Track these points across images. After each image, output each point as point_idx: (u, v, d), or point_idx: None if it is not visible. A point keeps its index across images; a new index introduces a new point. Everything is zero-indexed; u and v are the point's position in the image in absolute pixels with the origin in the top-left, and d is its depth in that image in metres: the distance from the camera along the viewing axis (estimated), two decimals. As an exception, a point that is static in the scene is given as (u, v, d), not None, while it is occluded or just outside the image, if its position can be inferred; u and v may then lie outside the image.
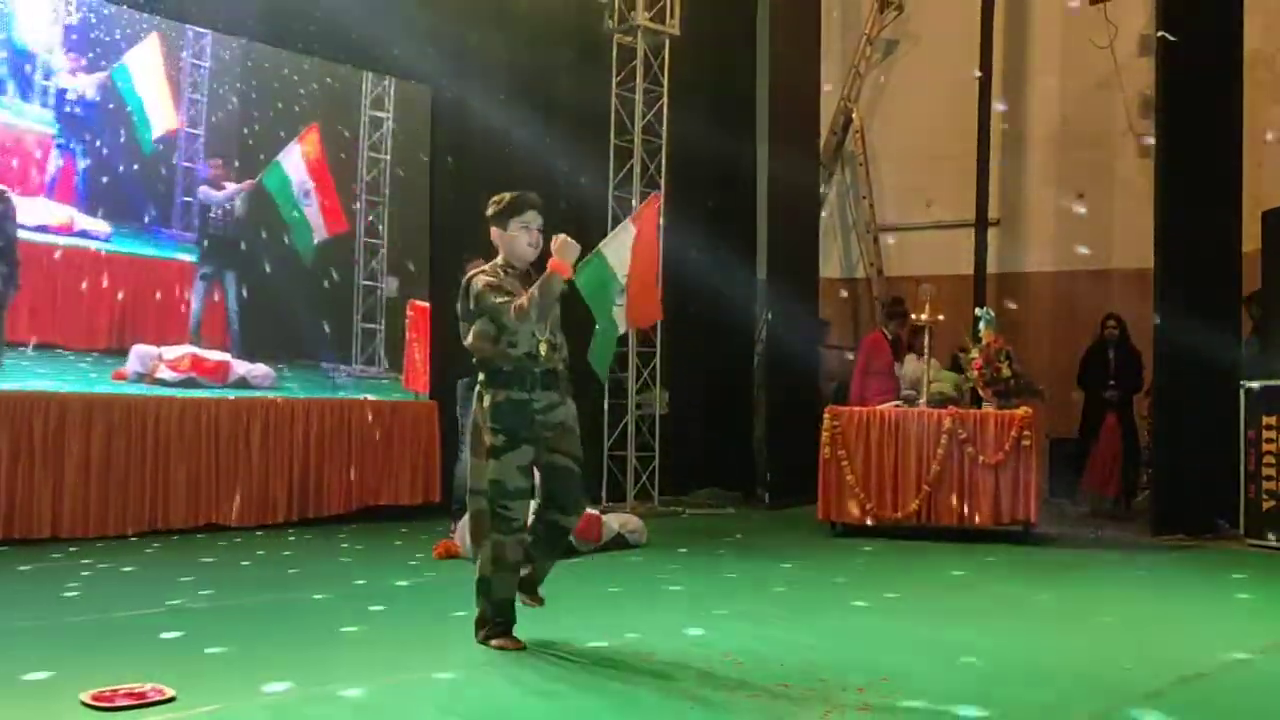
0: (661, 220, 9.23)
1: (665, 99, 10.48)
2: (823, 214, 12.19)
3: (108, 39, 7.81)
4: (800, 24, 11.35)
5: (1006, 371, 7.94)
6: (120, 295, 7.84)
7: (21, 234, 7.33)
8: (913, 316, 9.02)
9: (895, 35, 12.54)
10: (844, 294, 12.42)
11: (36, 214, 7.44)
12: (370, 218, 9.23)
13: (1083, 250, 11.24)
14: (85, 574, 5.93)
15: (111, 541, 7.21)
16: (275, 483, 8.28)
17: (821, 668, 3.88)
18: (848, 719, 3.27)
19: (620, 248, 8.34)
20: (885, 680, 3.72)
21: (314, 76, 8.95)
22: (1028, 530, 7.83)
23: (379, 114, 9.30)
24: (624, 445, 10.14)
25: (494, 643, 4.12)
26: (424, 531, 7.93)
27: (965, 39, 11.49)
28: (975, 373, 8.11)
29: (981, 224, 11.40)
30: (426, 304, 9.33)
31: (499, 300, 4.07)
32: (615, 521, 7.37)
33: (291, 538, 7.72)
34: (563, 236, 4.08)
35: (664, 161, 10.45)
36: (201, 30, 8.31)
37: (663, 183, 10.42)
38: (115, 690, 3.34)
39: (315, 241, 8.86)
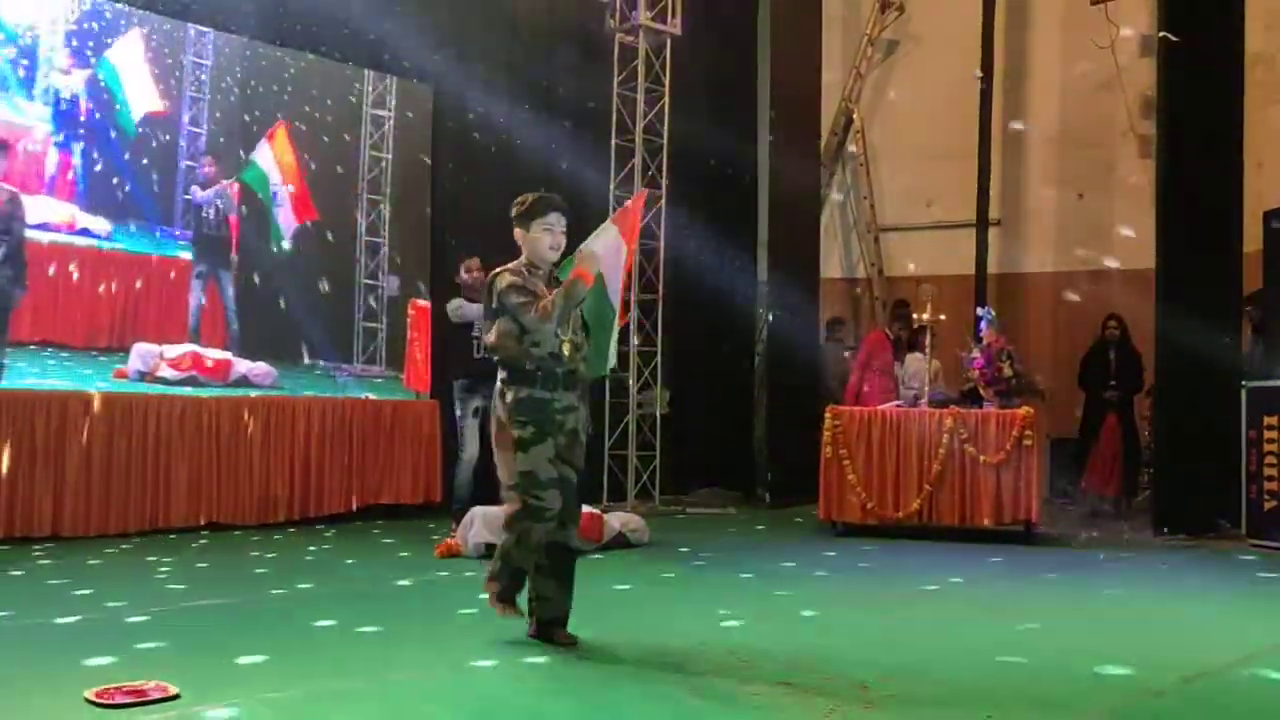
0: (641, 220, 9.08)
1: (666, 98, 10.48)
2: (823, 214, 12.19)
3: (109, 39, 7.82)
4: (801, 24, 11.36)
5: (1008, 371, 7.95)
6: (121, 294, 7.84)
7: (26, 234, 7.34)
8: (914, 316, 9.03)
9: (896, 36, 12.55)
10: (858, 291, 12.40)
11: (37, 212, 7.44)
12: (371, 217, 9.23)
13: (1083, 251, 11.25)
14: (87, 572, 5.93)
15: (112, 540, 7.21)
16: (276, 481, 8.28)
17: (824, 665, 3.88)
18: (851, 717, 3.27)
19: (613, 269, 8.09)
20: (889, 679, 3.72)
21: (315, 75, 8.95)
22: (1029, 530, 7.84)
23: (380, 113, 9.30)
24: (625, 444, 10.15)
25: (498, 606, 4.18)
26: (425, 531, 7.93)
27: (966, 39, 11.50)
28: (977, 372, 8.11)
29: (982, 224, 11.40)
30: (427, 303, 9.33)
31: (521, 300, 4.10)
32: (617, 520, 7.37)
33: (292, 537, 7.72)
34: (582, 249, 4.20)
35: (665, 161, 10.46)
36: (203, 29, 8.31)
37: (664, 182, 10.43)
38: (119, 687, 3.33)
39: (286, 235, 8.78)
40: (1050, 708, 3.47)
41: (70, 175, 7.64)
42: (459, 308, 7.54)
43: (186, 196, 8.21)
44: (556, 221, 4.25)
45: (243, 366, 8.37)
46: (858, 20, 12.63)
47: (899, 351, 9.43)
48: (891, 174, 12.49)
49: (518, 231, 4.27)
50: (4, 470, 6.95)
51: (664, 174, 10.45)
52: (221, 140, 8.43)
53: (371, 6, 8.90)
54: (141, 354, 7.86)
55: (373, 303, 9.19)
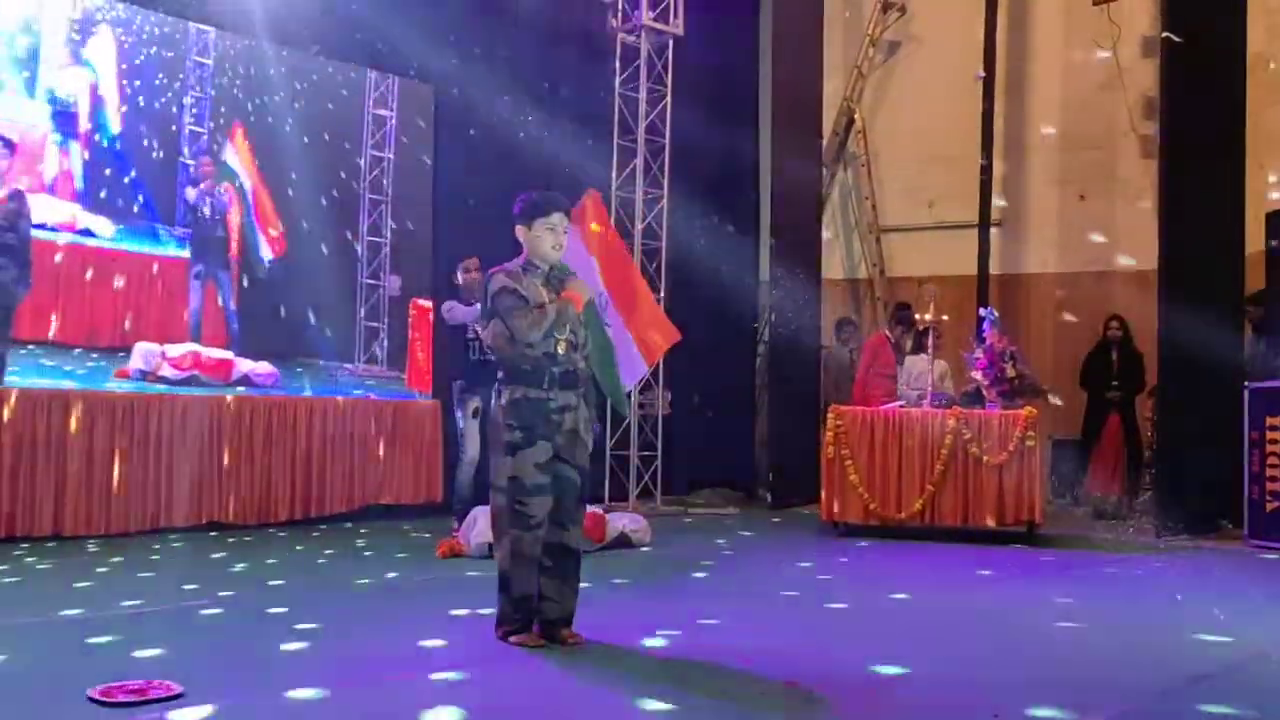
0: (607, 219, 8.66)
1: (668, 98, 10.49)
2: (825, 214, 12.19)
3: (111, 37, 7.81)
4: (803, 25, 11.36)
5: (1011, 372, 7.95)
6: (123, 293, 7.84)
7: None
8: (917, 317, 9.03)
9: (898, 36, 12.53)
10: (876, 294, 12.37)
11: (39, 212, 7.44)
12: (373, 216, 9.23)
13: (1085, 251, 11.24)
14: (89, 570, 5.92)
15: (114, 539, 7.20)
16: (278, 481, 8.27)
17: (829, 666, 3.88)
18: (856, 716, 3.27)
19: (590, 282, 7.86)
20: (892, 678, 3.72)
21: (317, 75, 8.95)
22: (1031, 530, 7.83)
23: (382, 112, 9.30)
24: (626, 445, 10.15)
25: (514, 639, 4.11)
26: (427, 530, 7.93)
27: (968, 40, 11.49)
28: (980, 373, 8.10)
29: (984, 225, 11.39)
30: (429, 303, 9.32)
31: (511, 305, 4.11)
32: (619, 521, 7.38)
33: (294, 536, 7.72)
34: (575, 277, 4.30)
35: (667, 161, 10.46)
36: (204, 28, 8.31)
37: (665, 182, 10.44)
38: (121, 686, 3.33)
39: (266, 260, 8.65)
40: (1055, 707, 3.46)
41: (71, 174, 7.64)
42: (449, 309, 7.57)
43: (184, 194, 8.21)
44: (560, 221, 4.24)
45: (244, 366, 8.37)
46: (859, 21, 12.62)
47: (900, 353, 9.42)
48: (893, 174, 12.48)
49: (519, 229, 4.26)
50: (5, 469, 6.95)
51: (665, 174, 10.45)
52: (222, 140, 8.42)
53: (373, 6, 8.90)
54: (143, 353, 7.86)
55: (374, 303, 9.19)
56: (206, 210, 8.29)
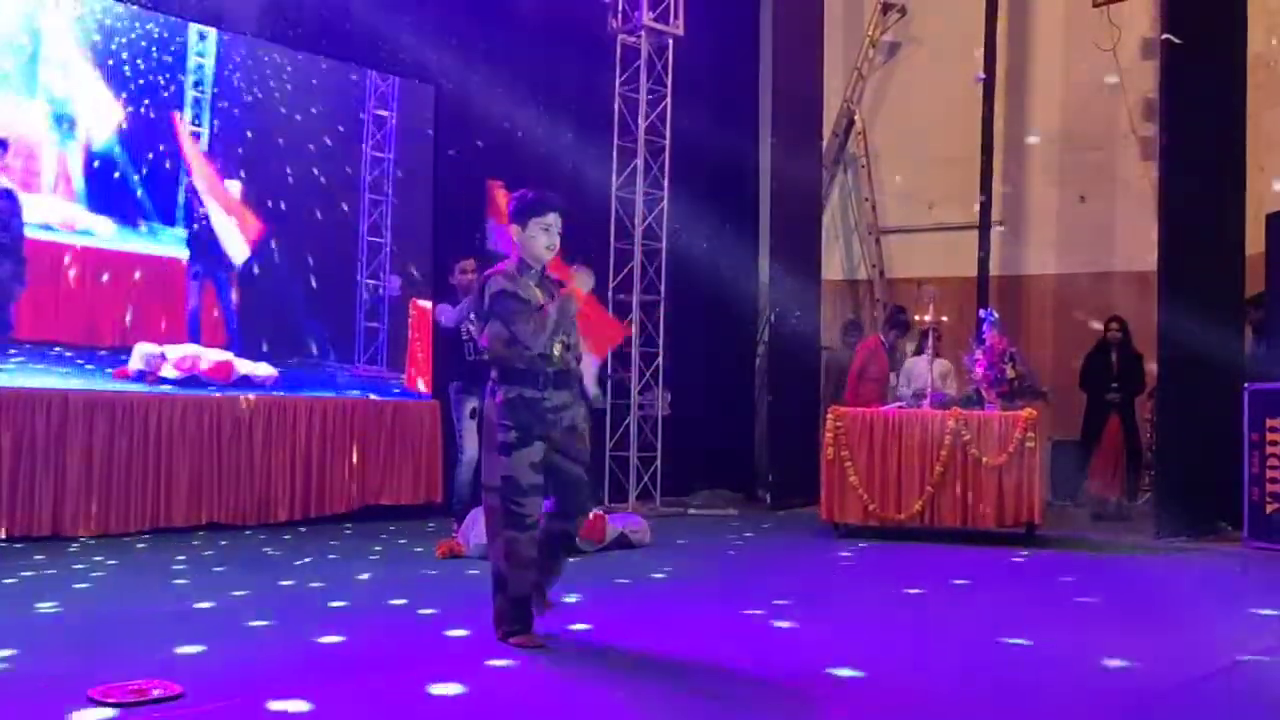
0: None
1: (669, 99, 10.49)
2: (825, 215, 12.19)
3: (110, 37, 7.81)
4: (803, 26, 11.37)
5: (1011, 373, 7.95)
6: (122, 293, 7.84)
7: (25, 231, 7.33)
8: (916, 318, 9.04)
9: (898, 37, 12.55)
10: (876, 295, 12.37)
11: (39, 211, 7.44)
12: (373, 216, 9.23)
13: (1085, 253, 11.25)
14: (88, 571, 5.92)
15: (113, 539, 7.20)
16: (277, 482, 8.27)
17: (830, 665, 3.88)
18: (856, 715, 3.27)
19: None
20: (891, 678, 3.72)
21: (317, 74, 8.95)
22: (1031, 531, 7.83)
23: (382, 112, 9.31)
24: (626, 446, 10.15)
25: (513, 640, 4.10)
26: (426, 531, 7.93)
27: (968, 41, 11.49)
28: (979, 374, 8.11)
29: (984, 226, 11.40)
30: (429, 303, 9.33)
31: (514, 309, 4.09)
32: (619, 521, 7.37)
33: (293, 537, 7.71)
34: (583, 267, 4.24)
35: (667, 161, 10.47)
36: (204, 28, 8.31)
37: (665, 183, 10.45)
38: (122, 686, 3.33)
39: (237, 251, 8.46)
40: (1058, 707, 3.46)
41: (70, 174, 7.64)
42: (441, 313, 7.59)
43: (183, 194, 8.21)
44: (554, 221, 4.22)
45: (244, 367, 8.36)
46: (859, 22, 12.63)
47: (894, 358, 9.42)
48: (893, 176, 12.49)
49: (513, 228, 4.24)
50: (5, 469, 6.95)
51: (666, 174, 10.46)
52: (222, 139, 8.42)
53: (374, 6, 8.90)
54: (143, 354, 7.86)
55: (373, 303, 9.19)
56: (202, 209, 8.29)
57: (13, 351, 7.24)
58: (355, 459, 8.73)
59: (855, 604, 5.39)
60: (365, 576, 5.93)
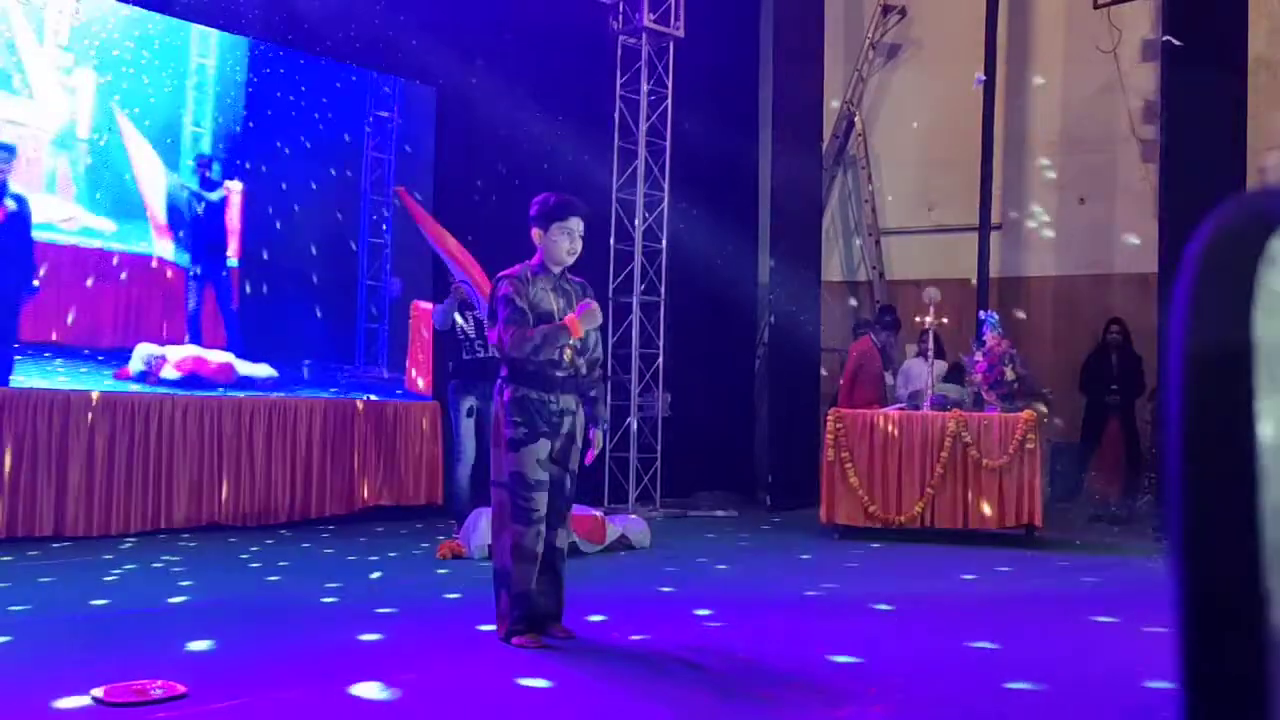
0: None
1: (669, 100, 10.50)
2: (824, 217, 12.20)
3: (112, 37, 7.81)
4: (803, 28, 11.37)
5: (1011, 374, 7.96)
6: (123, 294, 7.84)
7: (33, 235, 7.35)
8: (916, 319, 9.04)
9: (898, 39, 12.55)
10: (876, 297, 12.36)
11: (39, 212, 7.44)
12: (374, 218, 9.23)
13: (1085, 255, 11.25)
14: (91, 572, 5.92)
15: (114, 540, 7.20)
16: (278, 482, 8.27)
17: (831, 666, 3.88)
18: (860, 717, 3.27)
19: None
20: (892, 679, 3.72)
21: (318, 76, 8.95)
22: (1031, 533, 7.83)
23: (383, 114, 9.31)
24: (626, 447, 10.15)
25: (515, 640, 4.12)
26: (427, 531, 7.93)
27: (968, 43, 11.49)
28: (979, 376, 8.11)
29: (984, 228, 11.40)
30: (430, 304, 9.32)
31: (508, 316, 4.12)
32: (618, 523, 7.38)
33: (294, 538, 7.71)
34: (593, 305, 4.23)
35: (668, 163, 10.47)
36: (206, 29, 8.31)
37: (666, 184, 10.45)
38: (126, 686, 3.33)
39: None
40: (1060, 708, 3.47)
41: (71, 175, 7.64)
42: (434, 313, 7.62)
43: (184, 196, 8.21)
44: (576, 226, 4.24)
45: (244, 368, 8.36)
46: (859, 24, 12.64)
47: (887, 359, 9.42)
48: (893, 177, 12.49)
49: (535, 231, 4.26)
50: (6, 469, 6.95)
51: (666, 176, 10.46)
52: (223, 140, 8.42)
53: (376, 7, 8.90)
54: (144, 355, 7.86)
55: (374, 304, 9.20)
56: (207, 211, 8.29)
57: (16, 345, 7.25)
58: (355, 460, 8.73)
59: (859, 602, 5.40)
60: (377, 575, 5.93)
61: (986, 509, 7.77)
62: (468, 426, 7.48)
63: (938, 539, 7.89)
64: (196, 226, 8.26)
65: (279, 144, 8.70)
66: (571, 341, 4.17)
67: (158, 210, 8.08)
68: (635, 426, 10.19)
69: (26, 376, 7.25)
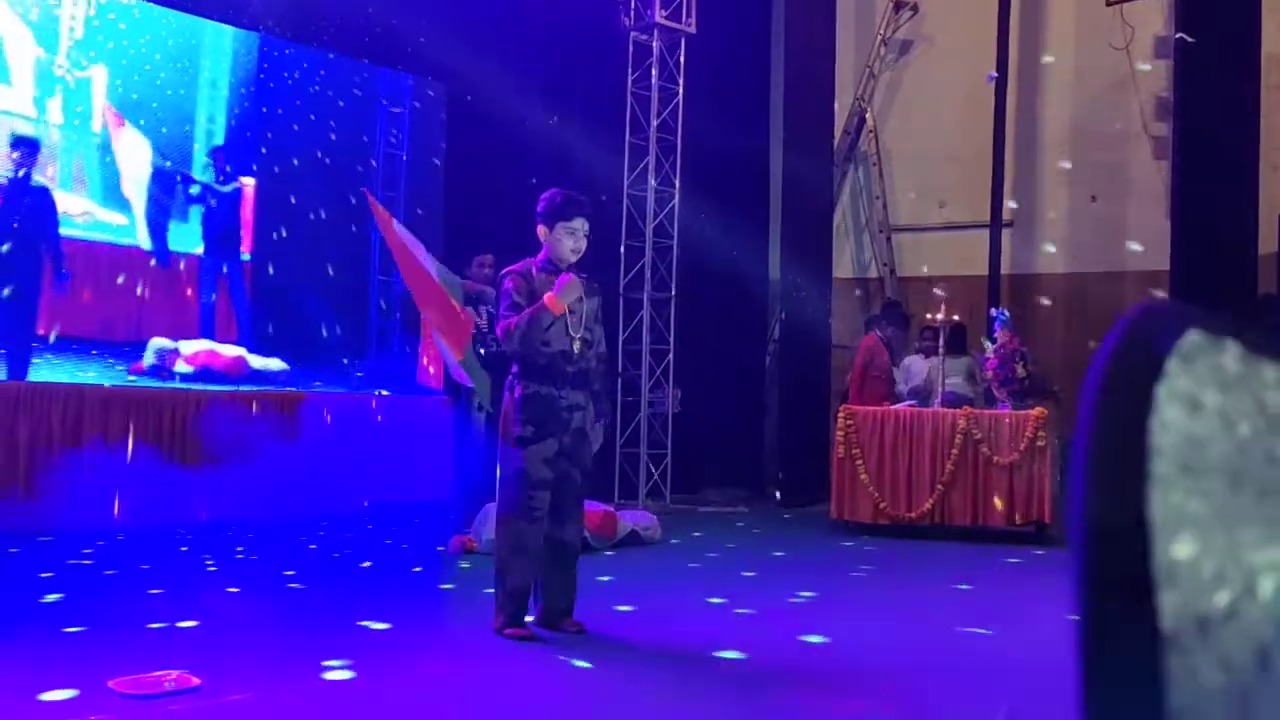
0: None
1: (680, 97, 10.50)
2: (835, 213, 12.19)
3: (126, 34, 7.85)
4: (815, 24, 11.37)
5: (1022, 372, 7.95)
6: (137, 288, 7.88)
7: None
8: (929, 316, 9.03)
9: (910, 35, 12.52)
10: (887, 294, 12.34)
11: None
12: (386, 213, 9.25)
13: (1096, 252, 11.23)
14: (105, 564, 5.95)
15: (128, 533, 7.24)
16: (289, 476, 8.29)
17: (837, 663, 3.89)
18: (865, 713, 3.28)
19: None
20: (898, 677, 3.73)
21: (331, 72, 8.98)
22: (1041, 531, 7.83)
23: (395, 109, 9.33)
24: (636, 443, 10.16)
25: (508, 632, 4.16)
26: (439, 525, 7.94)
27: (980, 40, 11.47)
28: (990, 373, 8.11)
29: (995, 225, 11.38)
30: (441, 300, 9.34)
31: (504, 309, 4.18)
32: (630, 518, 7.40)
33: (305, 532, 7.74)
34: (571, 278, 4.18)
35: (679, 159, 10.48)
36: (219, 25, 8.35)
37: (677, 180, 10.45)
38: (141, 677, 3.35)
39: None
40: (1065, 708, 3.47)
41: (85, 170, 7.67)
42: None
43: (196, 190, 8.25)
44: (581, 225, 4.27)
45: (256, 362, 8.40)
46: (871, 20, 12.62)
47: (893, 353, 9.41)
48: (904, 174, 12.47)
49: (541, 229, 4.28)
50: (21, 462, 6.99)
51: (677, 172, 10.46)
52: (237, 136, 8.46)
53: (388, 4, 8.92)
54: (157, 349, 7.90)
55: (385, 298, 9.23)
56: (222, 206, 8.33)
57: (35, 344, 7.30)
58: (367, 455, 8.75)
59: (866, 602, 5.41)
60: (377, 576, 5.95)
61: (997, 506, 7.76)
62: (479, 420, 7.50)
63: (948, 536, 7.89)
64: (210, 220, 8.29)
65: (291, 139, 8.74)
66: (581, 334, 4.18)
67: (135, 201, 8.12)
68: (646, 422, 10.20)
69: (41, 370, 7.29)
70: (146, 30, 7.96)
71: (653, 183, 10.26)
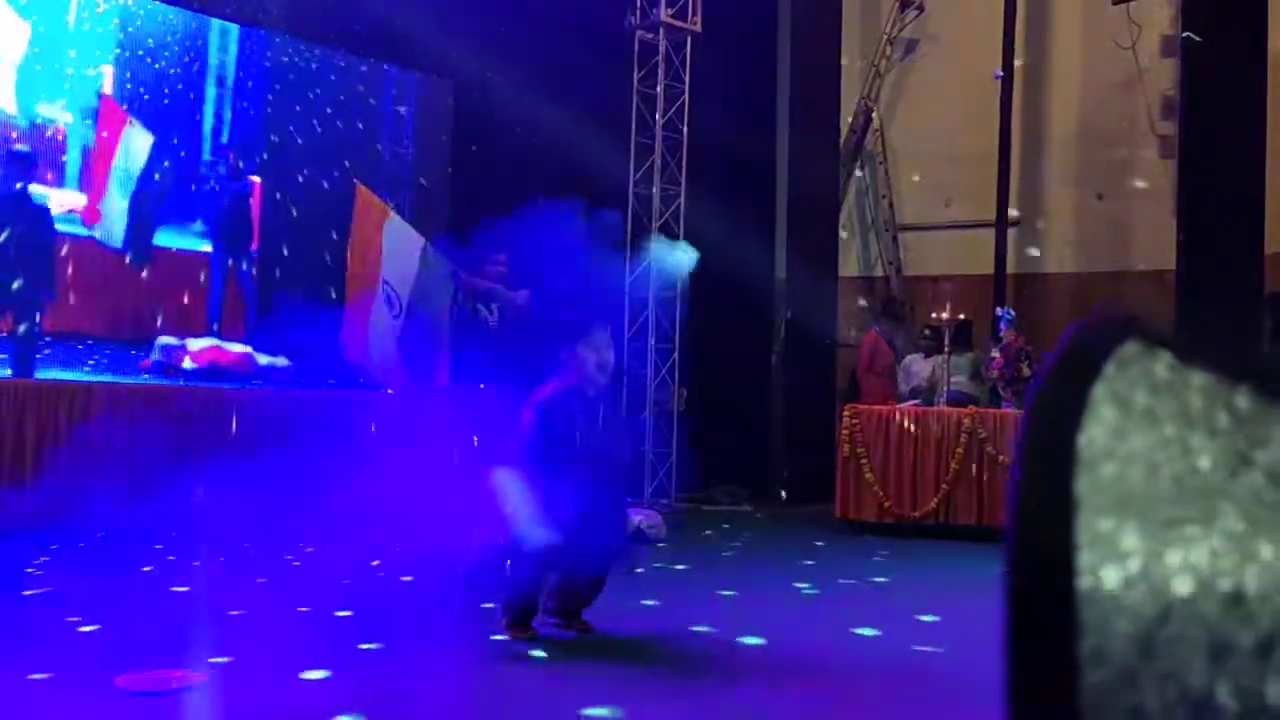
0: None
1: (686, 96, 10.50)
2: (841, 212, 12.18)
3: (133, 33, 7.87)
4: (821, 23, 11.37)
5: (1027, 371, 7.95)
6: (144, 286, 7.90)
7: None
8: (934, 315, 9.03)
9: (916, 35, 12.52)
10: (893, 292, 12.32)
11: (62, 205, 7.50)
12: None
13: (1102, 251, 11.21)
14: (114, 561, 5.97)
15: (135, 530, 7.25)
16: (298, 474, 8.30)
17: (842, 662, 3.90)
18: (872, 710, 3.29)
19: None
20: (900, 676, 3.74)
21: (336, 70, 9.00)
22: (1046, 530, 7.82)
23: (401, 109, 9.34)
24: (642, 442, 10.16)
25: (513, 632, 4.18)
26: (446, 525, 7.94)
27: (986, 39, 11.47)
28: (995, 372, 8.11)
29: (1001, 224, 11.37)
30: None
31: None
32: (635, 516, 7.39)
33: (309, 531, 7.75)
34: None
35: (684, 158, 10.48)
36: (225, 24, 8.37)
37: (683, 179, 10.45)
38: (148, 674, 3.37)
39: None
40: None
41: (93, 168, 7.69)
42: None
43: (206, 189, 8.27)
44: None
45: (263, 360, 8.41)
46: (877, 19, 12.61)
47: (894, 349, 9.40)
48: (910, 173, 12.47)
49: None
50: (29, 460, 7.01)
51: (683, 171, 10.47)
52: (242, 134, 8.48)
53: (394, 3, 8.93)
54: (164, 346, 7.92)
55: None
56: (231, 204, 8.35)
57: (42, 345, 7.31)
58: (375, 452, 8.75)
59: (867, 602, 5.41)
60: (383, 575, 5.96)
61: (1002, 505, 7.75)
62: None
63: (953, 535, 7.88)
64: (220, 218, 8.31)
65: (297, 137, 8.75)
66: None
67: (141, 199, 8.11)
68: (651, 421, 10.20)
69: (48, 368, 7.31)
70: (153, 27, 7.98)
71: (658, 182, 10.26)
